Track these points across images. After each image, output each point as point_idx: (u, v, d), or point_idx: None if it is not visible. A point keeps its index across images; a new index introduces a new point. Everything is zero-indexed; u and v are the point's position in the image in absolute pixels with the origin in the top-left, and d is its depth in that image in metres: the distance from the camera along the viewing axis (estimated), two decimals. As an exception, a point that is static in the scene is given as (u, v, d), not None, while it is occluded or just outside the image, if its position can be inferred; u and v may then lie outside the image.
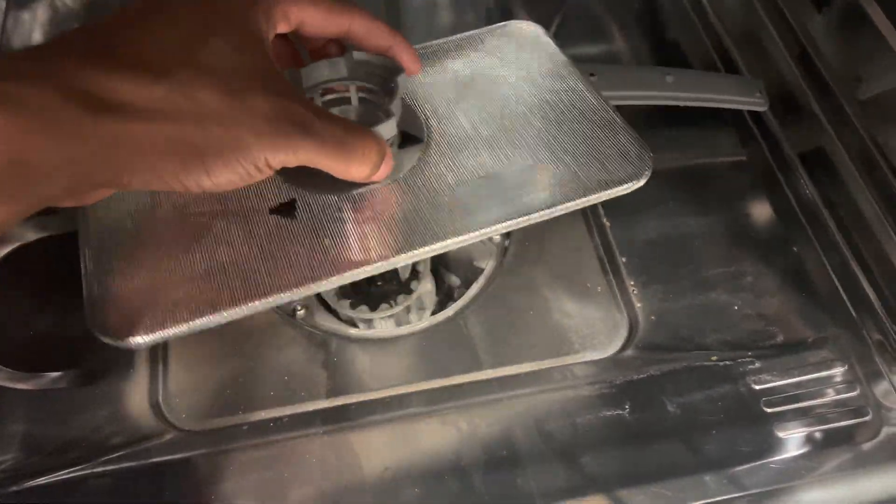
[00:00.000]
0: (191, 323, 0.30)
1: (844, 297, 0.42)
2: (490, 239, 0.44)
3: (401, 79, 0.34)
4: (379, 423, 0.38)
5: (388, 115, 0.33)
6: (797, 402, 0.38)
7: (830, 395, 0.38)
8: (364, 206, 0.34)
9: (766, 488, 0.35)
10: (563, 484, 0.35)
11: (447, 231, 0.32)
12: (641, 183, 0.34)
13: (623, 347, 0.40)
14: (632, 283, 0.42)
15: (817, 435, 0.37)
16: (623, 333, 0.41)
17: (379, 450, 0.37)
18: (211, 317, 0.30)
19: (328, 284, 0.31)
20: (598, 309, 0.41)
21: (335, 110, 0.35)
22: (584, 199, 0.33)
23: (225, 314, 0.30)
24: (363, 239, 0.33)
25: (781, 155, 0.48)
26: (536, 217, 0.33)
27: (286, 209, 0.34)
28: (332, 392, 0.39)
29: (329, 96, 0.35)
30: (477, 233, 0.32)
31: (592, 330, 0.41)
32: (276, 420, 0.38)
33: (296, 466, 0.36)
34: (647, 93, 0.45)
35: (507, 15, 0.58)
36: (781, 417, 0.37)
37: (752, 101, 0.46)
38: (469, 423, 0.37)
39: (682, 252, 0.44)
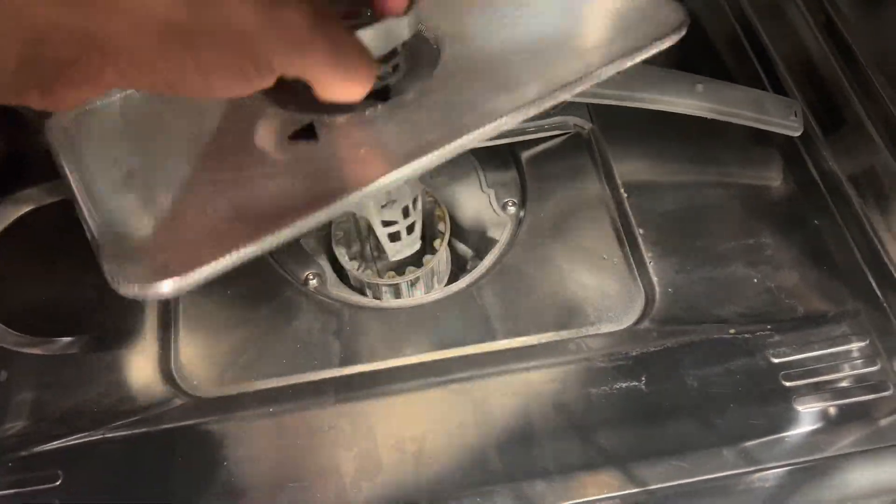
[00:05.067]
0: (216, 263, 0.27)
1: (866, 271, 0.41)
2: (504, 209, 0.43)
3: None
4: (392, 392, 0.37)
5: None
6: (817, 376, 0.37)
7: (850, 370, 0.38)
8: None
9: (784, 462, 0.35)
10: (579, 455, 0.35)
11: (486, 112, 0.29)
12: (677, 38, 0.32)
13: (639, 319, 0.39)
14: (649, 254, 0.42)
15: (837, 410, 0.36)
16: (639, 305, 0.40)
17: (392, 419, 0.36)
18: (237, 253, 0.27)
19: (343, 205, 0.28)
20: (614, 281, 0.41)
21: None
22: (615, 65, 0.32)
23: (249, 249, 0.27)
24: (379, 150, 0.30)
25: (804, 126, 0.47)
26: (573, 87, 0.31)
27: (307, 133, 0.31)
28: (345, 361, 0.38)
29: None
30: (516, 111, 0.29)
31: (608, 302, 0.40)
32: (287, 388, 0.37)
33: (307, 435, 0.36)
34: (673, 99, 0.43)
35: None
36: (801, 391, 0.37)
37: (785, 124, 0.44)
38: (483, 394, 0.37)
39: (700, 224, 0.43)
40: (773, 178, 0.46)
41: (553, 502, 0.33)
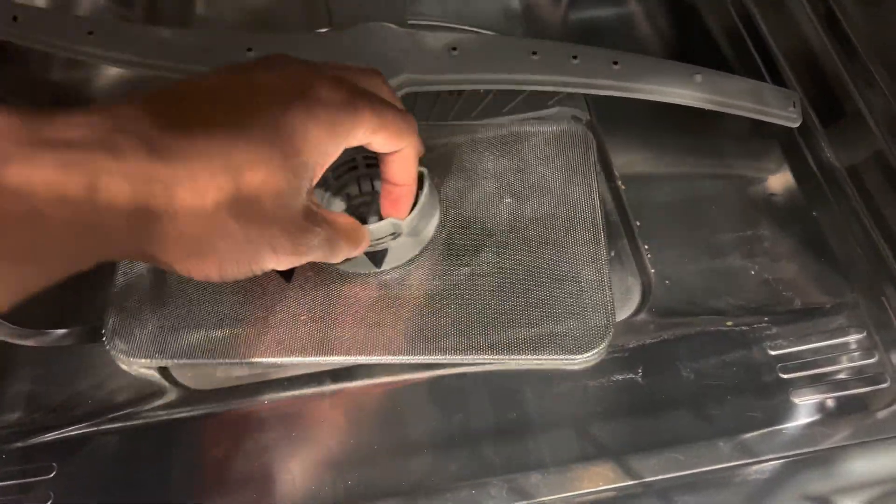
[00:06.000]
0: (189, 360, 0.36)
1: (864, 263, 0.41)
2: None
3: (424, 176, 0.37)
4: (388, 383, 0.37)
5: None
6: (814, 368, 0.37)
7: (848, 362, 0.37)
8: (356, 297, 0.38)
9: (781, 454, 0.34)
10: (575, 447, 0.35)
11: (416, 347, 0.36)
12: (586, 356, 0.36)
13: (636, 311, 0.39)
14: (646, 246, 0.41)
15: (834, 402, 0.36)
16: (636, 297, 0.40)
17: (388, 411, 0.36)
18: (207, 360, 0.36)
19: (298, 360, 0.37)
20: (611, 272, 0.41)
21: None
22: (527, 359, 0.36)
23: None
24: (341, 328, 0.37)
25: (803, 118, 0.46)
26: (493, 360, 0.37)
27: (285, 272, 0.37)
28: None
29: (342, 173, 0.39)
30: (436, 357, 0.36)
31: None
32: (282, 380, 0.37)
33: (303, 426, 0.36)
34: (671, 89, 0.42)
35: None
36: (798, 384, 0.37)
37: (783, 115, 0.43)
38: (479, 386, 0.37)
39: (697, 216, 0.43)
40: (772, 170, 0.46)
41: (548, 495, 0.33)
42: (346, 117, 0.29)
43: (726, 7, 0.53)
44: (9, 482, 0.34)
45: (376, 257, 0.37)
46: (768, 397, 0.36)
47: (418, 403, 0.36)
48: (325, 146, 0.29)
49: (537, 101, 0.47)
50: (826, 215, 0.43)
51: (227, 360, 0.36)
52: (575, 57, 0.43)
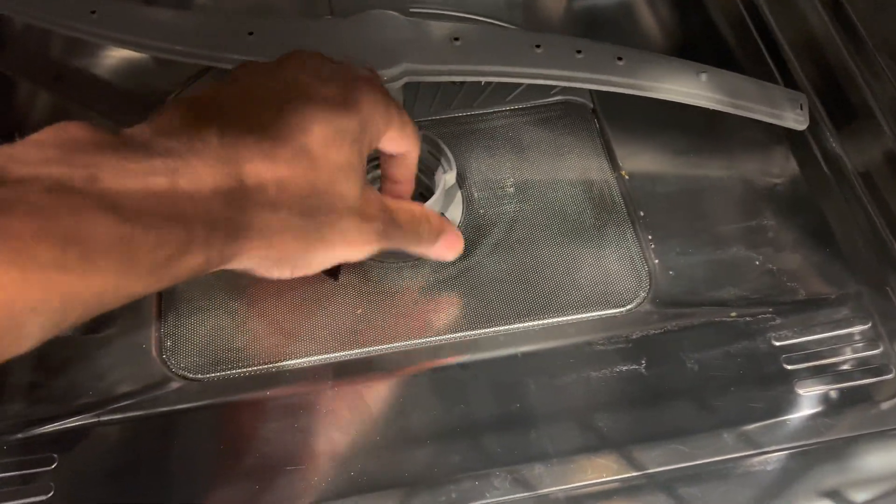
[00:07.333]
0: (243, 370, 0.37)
1: (869, 253, 0.41)
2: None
3: (444, 177, 0.39)
4: (388, 375, 0.37)
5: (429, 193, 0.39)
6: (818, 359, 0.37)
7: (852, 353, 0.37)
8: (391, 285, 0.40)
9: (784, 446, 0.34)
10: (578, 439, 0.35)
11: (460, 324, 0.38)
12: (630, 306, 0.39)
13: (640, 302, 0.39)
14: (650, 236, 0.41)
15: (838, 393, 0.36)
16: (640, 288, 0.40)
17: (389, 402, 0.36)
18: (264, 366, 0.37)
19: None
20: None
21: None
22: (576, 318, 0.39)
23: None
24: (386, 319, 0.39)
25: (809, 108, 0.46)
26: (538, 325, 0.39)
27: (332, 271, 0.38)
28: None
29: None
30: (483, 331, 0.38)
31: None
32: (285, 371, 0.37)
33: (306, 418, 0.35)
34: (675, 88, 0.42)
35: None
36: (802, 375, 0.36)
37: (790, 118, 0.42)
38: (482, 377, 0.37)
39: (702, 206, 0.43)
40: (776, 159, 0.45)
41: (551, 486, 0.33)
42: (381, 118, 0.32)
43: (731, -5, 0.53)
44: (9, 473, 0.34)
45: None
46: (772, 388, 0.36)
47: (421, 395, 0.36)
48: (368, 141, 0.32)
49: (541, 89, 0.47)
50: (830, 205, 0.43)
51: (290, 363, 0.37)
52: (579, 51, 0.42)
